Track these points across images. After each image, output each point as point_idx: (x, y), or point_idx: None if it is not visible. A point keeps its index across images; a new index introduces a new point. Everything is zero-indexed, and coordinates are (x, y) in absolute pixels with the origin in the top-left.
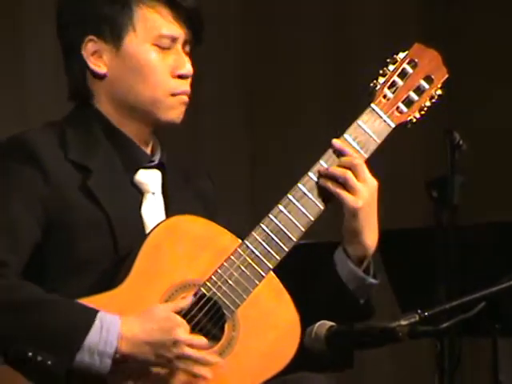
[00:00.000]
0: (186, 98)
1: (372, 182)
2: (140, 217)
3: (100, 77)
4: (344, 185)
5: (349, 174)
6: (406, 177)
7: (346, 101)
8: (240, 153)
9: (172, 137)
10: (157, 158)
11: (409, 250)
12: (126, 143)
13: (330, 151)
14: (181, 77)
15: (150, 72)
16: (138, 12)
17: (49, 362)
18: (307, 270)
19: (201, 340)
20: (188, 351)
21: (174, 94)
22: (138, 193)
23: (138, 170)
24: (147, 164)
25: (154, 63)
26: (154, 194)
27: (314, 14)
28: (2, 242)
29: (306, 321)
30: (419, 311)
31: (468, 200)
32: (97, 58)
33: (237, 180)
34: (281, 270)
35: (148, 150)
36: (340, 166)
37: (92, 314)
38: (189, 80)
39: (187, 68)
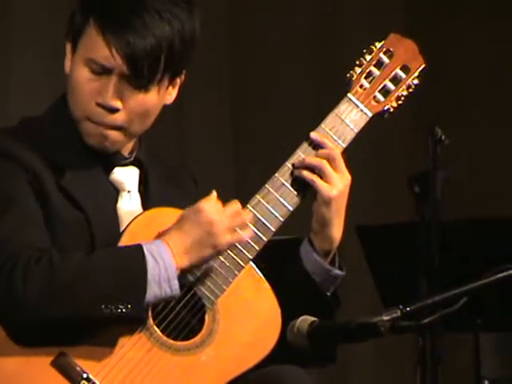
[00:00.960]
0: (104, 131)
1: (347, 175)
2: (116, 214)
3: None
4: (320, 174)
5: (325, 164)
6: (389, 172)
7: (331, 91)
8: (224, 150)
9: (157, 135)
10: (133, 156)
11: (391, 245)
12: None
13: (308, 142)
14: (101, 106)
15: (75, 89)
16: (87, 29)
17: (124, 311)
18: (273, 266)
19: (247, 216)
20: (234, 222)
21: (92, 121)
22: (114, 191)
23: (113, 168)
24: (123, 162)
25: (79, 83)
26: (129, 192)
27: (301, 4)
28: (32, 231)
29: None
30: (401, 306)
31: (451, 195)
32: (68, 59)
33: (221, 177)
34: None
35: (124, 149)
36: (317, 156)
37: (139, 250)
38: (116, 115)
39: (106, 100)
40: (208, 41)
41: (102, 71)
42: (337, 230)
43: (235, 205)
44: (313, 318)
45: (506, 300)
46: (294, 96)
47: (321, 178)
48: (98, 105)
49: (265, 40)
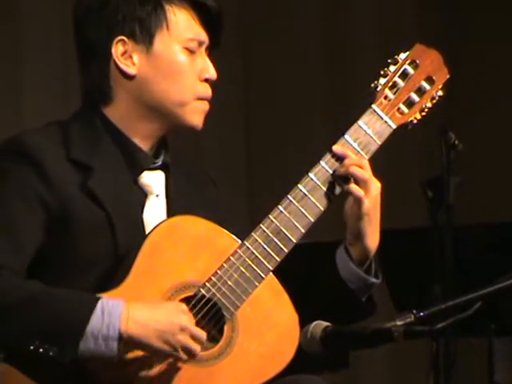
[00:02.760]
0: (207, 105)
1: (376, 181)
2: (141, 218)
3: (128, 77)
4: (352, 179)
5: (356, 169)
6: (402, 177)
7: (342, 102)
8: (237, 154)
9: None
10: (160, 160)
11: (404, 250)
12: (130, 147)
13: (331, 154)
14: (207, 81)
15: (179, 74)
16: (170, 14)
17: (51, 353)
18: (309, 270)
19: (203, 334)
20: (191, 341)
21: (200, 98)
22: (142, 194)
23: (142, 171)
24: (151, 166)
25: (184, 66)
26: (157, 196)
27: (313, 16)
28: (1, 244)
29: (309, 321)
30: (414, 311)
31: (464, 200)
32: (126, 58)
33: (234, 181)
34: (282, 271)
35: (152, 152)
36: (346, 164)
37: (93, 300)
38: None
39: (213, 72)
40: (226, 61)
41: (197, 47)
42: (372, 240)
43: (204, 334)
44: (326, 323)
45: None
46: (310, 109)
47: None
48: (206, 80)
49: (275, 69)
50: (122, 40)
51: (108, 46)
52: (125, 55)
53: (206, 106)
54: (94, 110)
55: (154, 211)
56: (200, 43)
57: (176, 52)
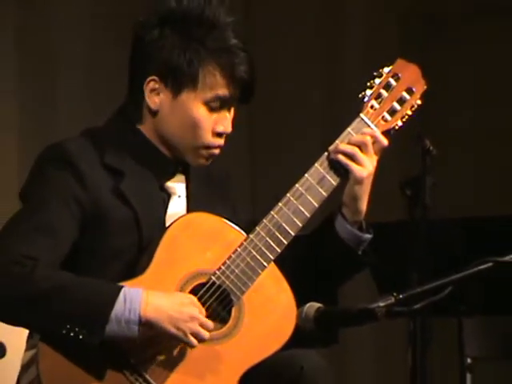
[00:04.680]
0: (217, 151)
1: (374, 157)
2: (164, 217)
3: (152, 111)
4: (353, 159)
5: (357, 150)
6: (384, 177)
7: (334, 112)
8: (239, 155)
9: None
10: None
11: (386, 241)
12: (156, 156)
13: (325, 156)
14: (220, 134)
15: (195, 126)
16: (202, 71)
17: (81, 336)
18: (314, 240)
19: (210, 324)
20: (200, 328)
21: (208, 147)
22: (166, 195)
23: (166, 179)
24: (175, 170)
25: (201, 120)
26: (179, 196)
27: (311, 46)
28: (40, 240)
29: (320, 283)
30: (395, 294)
31: (438, 197)
32: (155, 95)
33: (238, 181)
34: (297, 237)
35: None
36: (350, 143)
37: (116, 289)
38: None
39: (227, 127)
40: None
41: (219, 106)
42: (365, 203)
43: (211, 324)
44: (319, 305)
45: (485, 289)
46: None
47: (353, 161)
48: (218, 134)
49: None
50: (155, 80)
51: (144, 79)
52: (154, 92)
53: (215, 151)
54: (127, 121)
55: (176, 209)
56: (223, 102)
57: (197, 107)
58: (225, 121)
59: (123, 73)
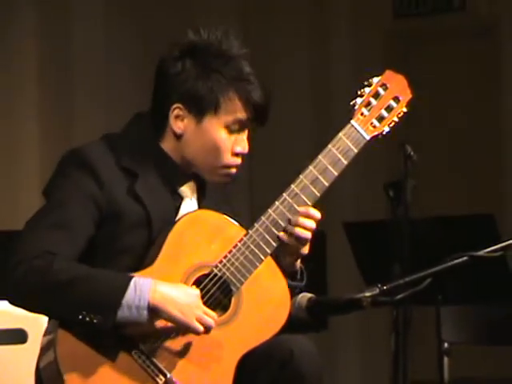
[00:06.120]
0: (235, 170)
1: (313, 224)
2: (174, 218)
3: (175, 135)
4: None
5: (308, 235)
6: (370, 180)
7: (325, 119)
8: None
9: None
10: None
11: (372, 238)
12: (170, 166)
13: (319, 158)
14: (239, 155)
15: (216, 149)
16: (222, 98)
17: (95, 321)
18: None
19: (213, 314)
20: (205, 316)
21: (228, 167)
22: (179, 198)
23: (179, 180)
24: (187, 175)
25: (222, 143)
26: (191, 199)
27: (301, 55)
28: (59, 236)
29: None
30: (379, 285)
31: (418, 198)
32: (179, 120)
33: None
34: None
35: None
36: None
37: (127, 279)
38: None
39: (245, 148)
40: None
41: (237, 129)
42: (298, 259)
43: (214, 314)
44: (310, 295)
45: (461, 280)
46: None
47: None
48: (236, 154)
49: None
50: (179, 107)
51: (169, 106)
52: (178, 118)
53: (232, 170)
54: (148, 136)
55: (188, 210)
56: (241, 125)
57: (219, 130)
58: (242, 142)
59: (138, 86)
